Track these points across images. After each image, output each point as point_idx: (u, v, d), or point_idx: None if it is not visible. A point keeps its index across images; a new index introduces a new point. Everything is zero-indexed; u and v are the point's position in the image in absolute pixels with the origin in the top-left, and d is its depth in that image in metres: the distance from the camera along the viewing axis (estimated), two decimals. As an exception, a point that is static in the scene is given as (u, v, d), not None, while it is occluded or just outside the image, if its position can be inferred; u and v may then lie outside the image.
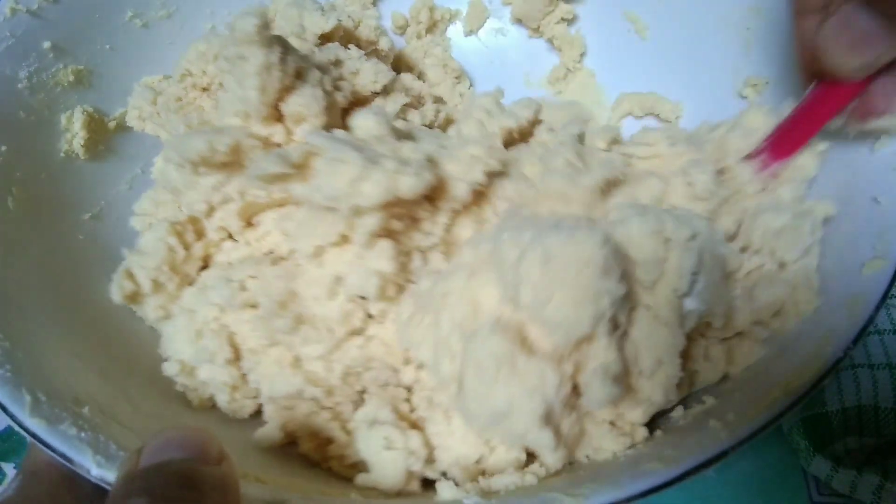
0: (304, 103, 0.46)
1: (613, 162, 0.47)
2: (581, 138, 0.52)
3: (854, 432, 0.50)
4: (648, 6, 0.62)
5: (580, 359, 0.38)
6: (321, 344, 0.44)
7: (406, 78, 0.61)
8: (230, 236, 0.50)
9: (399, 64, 0.67)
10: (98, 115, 0.54)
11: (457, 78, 0.67)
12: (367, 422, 0.42)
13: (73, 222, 0.51)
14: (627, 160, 0.51)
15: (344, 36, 0.58)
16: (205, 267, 0.50)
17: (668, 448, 0.36)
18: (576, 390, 0.38)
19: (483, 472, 0.40)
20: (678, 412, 0.41)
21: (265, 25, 0.44)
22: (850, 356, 0.50)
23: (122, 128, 0.56)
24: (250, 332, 0.45)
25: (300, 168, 0.41)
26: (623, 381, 0.38)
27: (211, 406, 0.46)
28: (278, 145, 0.47)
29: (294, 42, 0.51)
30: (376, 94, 0.56)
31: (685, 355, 0.41)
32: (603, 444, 0.39)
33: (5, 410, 0.35)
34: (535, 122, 0.55)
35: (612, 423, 0.40)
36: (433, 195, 0.45)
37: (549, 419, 0.37)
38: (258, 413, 0.46)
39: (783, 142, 0.46)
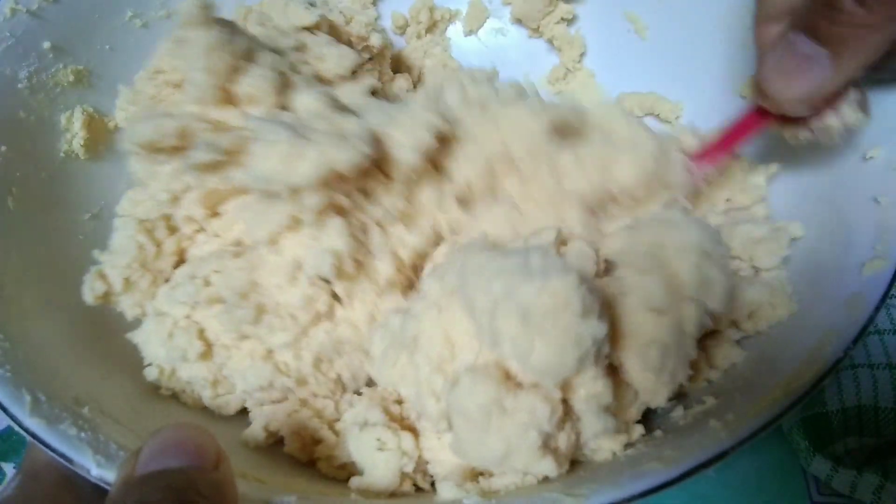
0: (254, 84, 0.45)
1: (565, 105, 0.48)
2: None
3: (854, 432, 0.50)
4: (648, 6, 0.62)
5: (568, 385, 0.37)
6: (286, 332, 0.43)
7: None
8: (203, 229, 0.49)
9: (399, 64, 0.67)
10: (98, 115, 0.54)
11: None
12: (357, 423, 0.42)
13: (73, 222, 0.51)
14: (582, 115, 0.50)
15: (331, 32, 0.57)
16: (182, 262, 0.49)
17: (668, 448, 0.36)
18: (567, 407, 0.37)
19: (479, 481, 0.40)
20: (678, 412, 0.41)
21: (207, 7, 0.43)
22: (850, 356, 0.51)
23: (122, 128, 0.56)
24: (219, 328, 0.44)
25: (235, 154, 0.40)
26: (613, 406, 0.38)
27: (204, 406, 0.46)
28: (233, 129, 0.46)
29: (258, 30, 0.51)
30: (344, 77, 0.54)
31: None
32: (601, 443, 0.39)
33: (5, 411, 0.35)
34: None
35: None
36: (385, 167, 0.44)
37: (547, 447, 0.36)
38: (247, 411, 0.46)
39: (715, 149, 0.47)
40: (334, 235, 0.42)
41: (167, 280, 0.48)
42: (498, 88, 0.50)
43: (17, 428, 0.35)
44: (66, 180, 0.51)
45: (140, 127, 0.40)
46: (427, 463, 0.41)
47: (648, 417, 0.43)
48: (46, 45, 0.50)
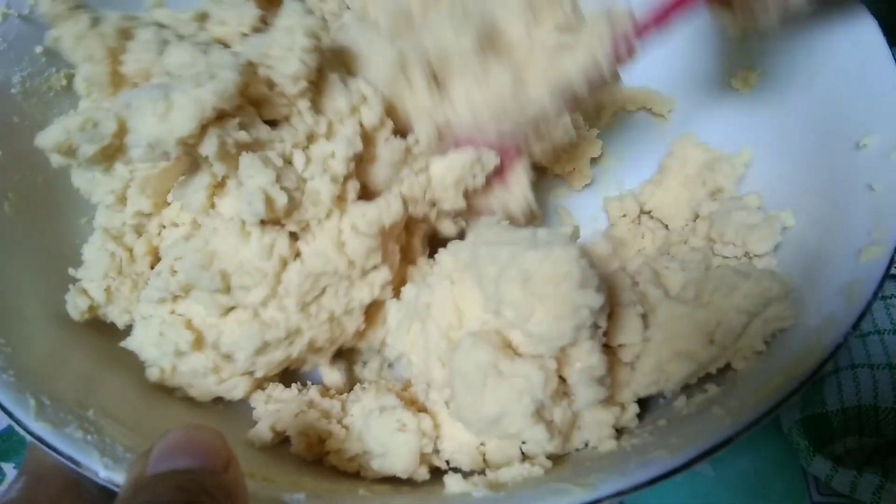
0: (138, 58, 0.44)
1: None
2: None
3: (854, 432, 0.50)
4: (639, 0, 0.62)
5: (564, 357, 0.39)
6: (260, 287, 0.43)
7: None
8: (164, 225, 0.49)
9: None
10: (91, 118, 0.54)
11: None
12: (374, 410, 0.42)
13: (69, 227, 0.51)
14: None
15: None
16: (158, 261, 0.49)
17: (672, 436, 0.37)
18: (563, 381, 0.39)
19: (486, 460, 0.41)
20: (681, 401, 0.41)
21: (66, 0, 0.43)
22: (850, 356, 0.51)
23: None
24: (203, 311, 0.44)
25: (123, 134, 0.39)
26: (607, 381, 0.40)
27: (212, 400, 0.46)
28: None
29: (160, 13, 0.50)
30: (248, 36, 0.51)
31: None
32: (594, 415, 0.40)
33: (10, 415, 0.35)
34: None
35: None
36: (281, 89, 0.43)
37: (540, 415, 0.38)
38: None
39: (651, 22, 0.47)
40: (251, 172, 0.41)
41: (147, 282, 0.48)
42: None
43: (21, 432, 0.35)
44: (62, 185, 0.50)
45: (48, 133, 0.39)
46: (437, 438, 0.42)
47: (651, 407, 0.44)
48: (39, 49, 0.50)
